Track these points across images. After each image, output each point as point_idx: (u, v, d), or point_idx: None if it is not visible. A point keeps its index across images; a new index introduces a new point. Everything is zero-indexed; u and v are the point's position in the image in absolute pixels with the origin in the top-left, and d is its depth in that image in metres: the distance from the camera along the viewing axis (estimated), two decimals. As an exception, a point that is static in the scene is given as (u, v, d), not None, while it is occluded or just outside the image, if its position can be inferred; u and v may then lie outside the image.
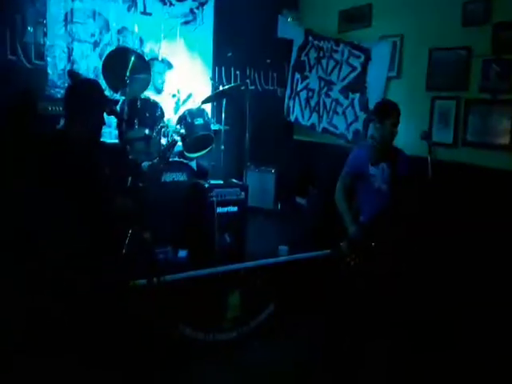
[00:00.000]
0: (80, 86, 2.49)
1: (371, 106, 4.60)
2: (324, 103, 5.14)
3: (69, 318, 2.20)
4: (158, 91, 4.21)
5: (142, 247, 2.95)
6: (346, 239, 3.15)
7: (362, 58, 4.78)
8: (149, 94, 4.06)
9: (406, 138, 3.89)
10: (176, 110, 4.31)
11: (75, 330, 2.20)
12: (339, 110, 4.96)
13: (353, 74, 4.87)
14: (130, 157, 3.71)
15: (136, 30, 4.60)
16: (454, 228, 3.53)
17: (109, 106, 2.88)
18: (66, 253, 2.23)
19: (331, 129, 5.01)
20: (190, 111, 4.05)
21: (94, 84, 2.49)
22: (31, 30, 4.05)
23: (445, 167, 3.67)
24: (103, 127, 2.50)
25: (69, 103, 2.38)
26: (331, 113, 5.05)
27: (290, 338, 3.36)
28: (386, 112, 3.19)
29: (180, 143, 3.96)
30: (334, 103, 5.03)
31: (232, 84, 4.91)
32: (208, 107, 4.67)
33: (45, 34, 4.12)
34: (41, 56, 4.11)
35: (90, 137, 2.42)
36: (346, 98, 4.89)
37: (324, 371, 3.01)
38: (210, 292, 3.30)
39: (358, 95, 4.79)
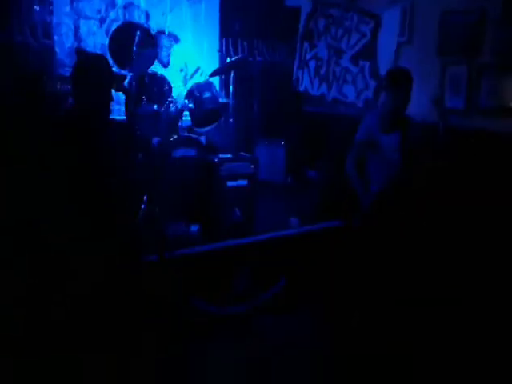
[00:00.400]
0: (87, 62, 2.49)
1: (382, 73, 4.53)
2: (333, 72, 5.06)
3: (84, 296, 2.28)
4: (165, 65, 4.18)
5: (152, 223, 3.00)
6: (358, 210, 3.16)
7: (372, 25, 4.67)
8: (155, 68, 4.03)
9: (418, 104, 3.82)
10: (184, 84, 4.29)
11: (91, 308, 2.28)
12: (349, 78, 4.88)
13: (363, 41, 4.77)
14: (139, 133, 3.74)
15: (142, 4, 4.55)
16: (466, 197, 3.49)
17: (116, 81, 2.89)
18: (80, 230, 2.29)
19: (341, 98, 4.94)
20: (197, 85, 4.03)
21: (101, 60, 2.48)
22: (38, 9, 4.04)
23: (457, 134, 3.62)
24: (112, 104, 2.52)
25: (76, 80, 2.38)
26: (341, 81, 4.97)
27: (302, 312, 3.40)
28: (399, 80, 3.11)
29: (188, 118, 3.97)
30: (343, 72, 4.95)
31: (239, 55, 4.84)
32: (216, 80, 4.63)
33: (51, 12, 4.11)
34: (48, 34, 4.11)
35: (99, 113, 2.44)
36: (356, 65, 4.80)
37: (334, 345, 3.05)
38: (222, 266, 3.35)
39: (368, 63, 4.70)
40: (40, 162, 2.36)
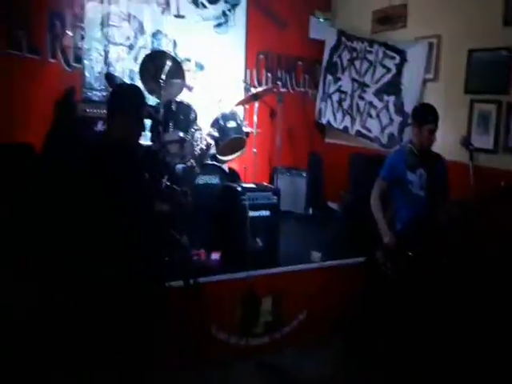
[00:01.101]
0: (122, 91, 2.58)
1: (407, 108, 4.52)
2: (357, 105, 5.06)
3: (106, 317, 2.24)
4: (189, 89, 4.19)
5: (179, 250, 2.97)
6: (381, 247, 3.10)
7: (397, 60, 4.67)
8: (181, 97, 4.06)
9: (444, 142, 3.80)
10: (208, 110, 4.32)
11: (113, 328, 2.24)
12: (373, 112, 4.87)
13: (387, 76, 4.77)
14: (165, 159, 3.75)
15: (169, 32, 4.63)
16: (492, 237, 3.41)
17: (148, 110, 2.92)
18: (107, 252, 2.27)
19: (365, 132, 4.92)
20: (223, 114, 4.06)
21: (135, 89, 2.56)
22: (70, 34, 4.13)
23: (486, 174, 3.56)
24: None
25: (111, 107, 2.43)
26: (365, 115, 4.96)
27: (323, 345, 3.32)
28: (425, 117, 3.14)
29: (213, 146, 3.98)
30: (367, 106, 4.95)
31: (264, 86, 4.88)
32: (240, 110, 4.66)
33: (82, 38, 4.19)
34: (79, 59, 4.19)
35: (131, 139, 2.46)
36: (381, 100, 4.79)
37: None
38: (242, 296, 3.29)
39: (392, 98, 4.68)
40: (70, 181, 2.39)
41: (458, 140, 3.30)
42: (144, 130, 2.53)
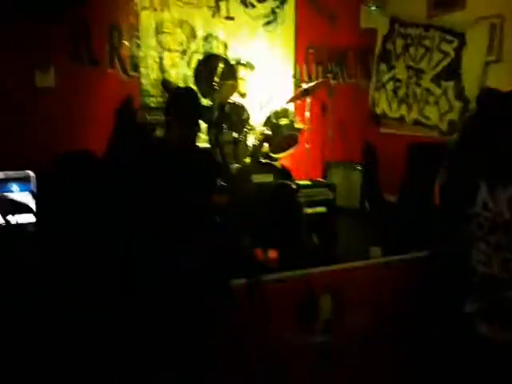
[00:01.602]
0: (178, 95, 2.67)
1: (468, 93, 4.31)
2: (414, 93, 4.89)
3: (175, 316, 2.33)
4: (243, 96, 4.26)
5: (242, 249, 3.04)
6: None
7: (456, 43, 4.46)
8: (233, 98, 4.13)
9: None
10: (260, 110, 4.36)
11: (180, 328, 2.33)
12: (431, 99, 4.69)
13: (445, 61, 4.57)
14: (220, 160, 3.85)
15: (220, 35, 4.71)
16: None
17: (204, 112, 3.00)
18: (170, 252, 2.37)
19: (423, 120, 4.75)
20: (274, 112, 4.08)
21: (191, 93, 2.64)
22: (127, 44, 4.32)
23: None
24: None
25: (169, 111, 2.52)
26: (422, 103, 4.79)
27: (387, 342, 3.26)
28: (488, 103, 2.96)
29: (266, 144, 4.01)
30: (424, 93, 4.77)
31: (314, 81, 4.82)
32: (291, 106, 4.66)
33: (138, 46, 4.37)
34: (135, 67, 4.37)
35: (189, 141, 2.54)
36: (439, 86, 4.60)
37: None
38: (301, 294, 3.30)
39: (451, 83, 4.48)
40: (133, 185, 2.51)
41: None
42: (199, 132, 2.59)
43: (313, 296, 3.35)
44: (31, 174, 3.05)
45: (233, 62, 4.33)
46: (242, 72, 4.23)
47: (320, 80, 4.85)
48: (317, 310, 3.36)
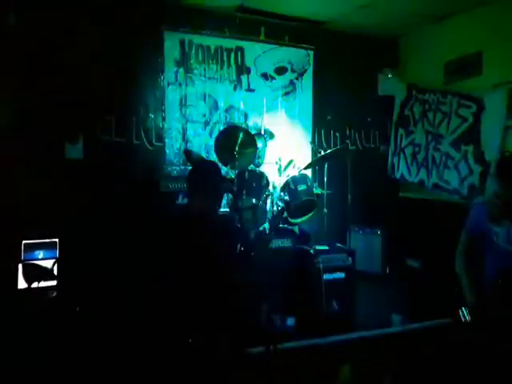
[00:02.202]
0: (200, 168, 2.70)
1: (487, 158, 4.30)
2: (433, 157, 4.92)
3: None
4: (257, 165, 4.38)
5: (260, 317, 3.00)
6: (465, 309, 2.88)
7: (474, 108, 4.53)
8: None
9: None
10: (279, 175, 4.46)
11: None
12: (450, 163, 4.70)
13: (464, 126, 4.63)
14: (239, 225, 3.91)
15: (241, 106, 4.97)
16: None
17: (226, 185, 3.08)
18: (188, 322, 2.37)
19: (443, 184, 4.74)
20: (293, 178, 4.17)
21: (213, 166, 2.69)
22: (152, 116, 4.60)
23: None
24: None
25: (191, 183, 2.59)
26: (442, 167, 4.80)
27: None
28: (508, 170, 2.84)
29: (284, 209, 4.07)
30: (444, 157, 4.80)
31: (332, 148, 4.92)
32: (309, 171, 4.75)
33: (163, 119, 4.64)
34: (160, 138, 4.63)
35: (210, 213, 2.60)
36: (458, 150, 4.63)
37: None
38: (319, 363, 3.20)
39: (471, 147, 4.51)
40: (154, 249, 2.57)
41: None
42: (221, 203, 2.64)
43: (332, 365, 3.24)
44: (56, 241, 3.20)
45: (254, 131, 4.51)
46: (260, 142, 4.39)
47: (337, 148, 4.96)
48: (336, 380, 3.24)
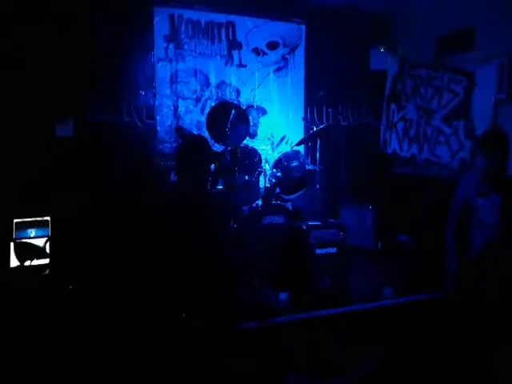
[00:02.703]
0: (189, 143, 2.72)
1: (478, 132, 4.31)
2: (425, 132, 4.92)
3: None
4: (252, 136, 4.38)
5: (252, 292, 3.04)
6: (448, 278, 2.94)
7: (465, 83, 4.51)
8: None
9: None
10: (271, 151, 4.46)
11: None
12: (442, 138, 4.70)
13: (455, 100, 4.61)
14: (232, 202, 3.92)
15: (233, 82, 4.90)
16: None
17: (216, 158, 3.07)
18: (181, 292, 2.39)
19: (434, 159, 4.75)
20: (285, 154, 4.17)
21: (201, 140, 2.69)
22: (143, 93, 4.54)
23: None
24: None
25: (180, 158, 2.59)
26: (433, 142, 4.81)
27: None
28: (492, 143, 2.92)
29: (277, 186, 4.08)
30: (435, 132, 4.80)
31: (324, 124, 4.91)
32: (302, 147, 4.75)
33: (154, 96, 4.58)
34: (151, 115, 4.57)
35: (200, 187, 2.60)
36: (449, 125, 4.63)
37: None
38: (313, 337, 3.26)
39: (462, 122, 4.50)
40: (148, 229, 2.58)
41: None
42: (209, 177, 2.64)
43: (325, 339, 3.30)
44: (48, 219, 3.19)
45: (244, 107, 4.48)
46: (253, 113, 4.36)
47: (330, 123, 4.95)
48: (330, 353, 3.31)
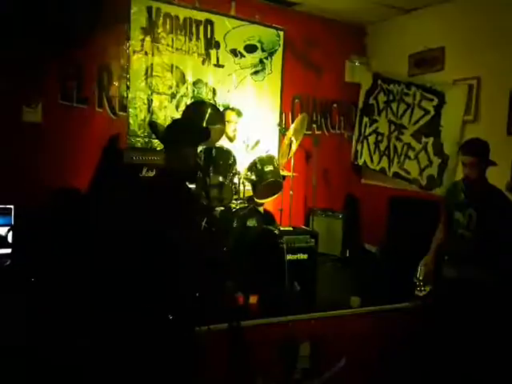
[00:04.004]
0: (178, 123, 2.70)
1: (446, 150, 4.47)
2: (395, 147, 5.05)
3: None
4: (231, 140, 4.34)
5: (224, 293, 2.98)
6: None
7: (436, 102, 4.67)
8: (222, 143, 4.19)
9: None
10: (246, 154, 4.42)
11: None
12: (411, 154, 4.84)
13: (426, 118, 4.77)
14: (204, 202, 3.84)
15: (209, 81, 4.83)
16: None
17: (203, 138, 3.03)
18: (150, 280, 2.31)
19: (403, 173, 4.88)
20: (260, 158, 4.13)
21: (190, 121, 2.66)
22: (116, 84, 4.38)
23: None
24: None
25: (169, 138, 2.54)
26: (403, 157, 4.94)
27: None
28: (468, 150, 2.84)
29: (250, 189, 4.04)
30: (405, 147, 4.93)
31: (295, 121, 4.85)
32: (276, 152, 4.74)
33: (128, 88, 4.43)
34: (123, 107, 4.42)
35: (188, 170, 2.53)
36: (419, 142, 4.77)
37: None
38: (280, 340, 3.23)
39: (431, 139, 4.66)
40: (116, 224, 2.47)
41: (504, 185, 3.18)
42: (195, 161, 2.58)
43: (292, 344, 3.28)
44: (12, 207, 3.00)
45: (222, 108, 4.42)
46: (231, 116, 4.32)
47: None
48: (296, 357, 3.29)
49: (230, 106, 4.63)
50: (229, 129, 4.30)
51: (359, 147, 5.46)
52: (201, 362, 2.50)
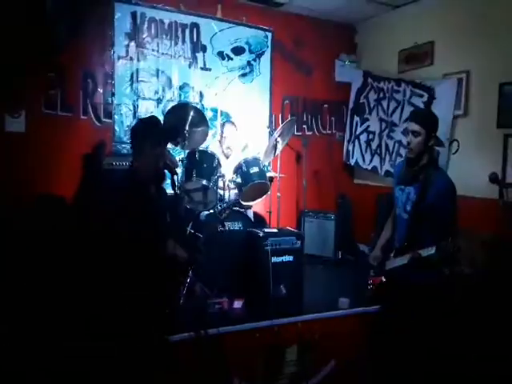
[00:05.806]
0: (140, 124, 2.65)
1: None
2: (386, 145, 4.98)
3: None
4: (227, 157, 4.30)
5: (193, 299, 2.94)
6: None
7: (426, 97, 4.60)
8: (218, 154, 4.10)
9: (477, 179, 3.63)
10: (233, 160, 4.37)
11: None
12: (403, 151, 4.75)
13: (416, 114, 4.68)
14: (188, 207, 3.80)
15: (196, 85, 4.80)
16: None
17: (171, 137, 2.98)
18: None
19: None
20: (245, 160, 4.08)
21: (154, 119, 2.66)
22: (101, 91, 4.37)
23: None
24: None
25: (132, 140, 2.54)
26: (394, 155, 4.86)
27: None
28: (415, 118, 2.70)
29: (236, 192, 3.99)
30: (396, 145, 4.85)
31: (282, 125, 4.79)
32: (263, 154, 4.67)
33: (113, 94, 4.42)
34: (109, 114, 4.40)
35: (155, 169, 2.53)
36: (410, 139, 4.68)
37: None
38: (266, 345, 3.17)
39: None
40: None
41: (490, 176, 3.09)
42: (162, 161, 2.55)
43: (278, 348, 3.22)
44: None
45: (208, 111, 4.38)
46: (230, 131, 4.28)
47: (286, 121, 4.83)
48: (282, 362, 3.22)
49: (218, 110, 4.58)
50: (224, 144, 4.26)
51: (351, 147, 5.38)
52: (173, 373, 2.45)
